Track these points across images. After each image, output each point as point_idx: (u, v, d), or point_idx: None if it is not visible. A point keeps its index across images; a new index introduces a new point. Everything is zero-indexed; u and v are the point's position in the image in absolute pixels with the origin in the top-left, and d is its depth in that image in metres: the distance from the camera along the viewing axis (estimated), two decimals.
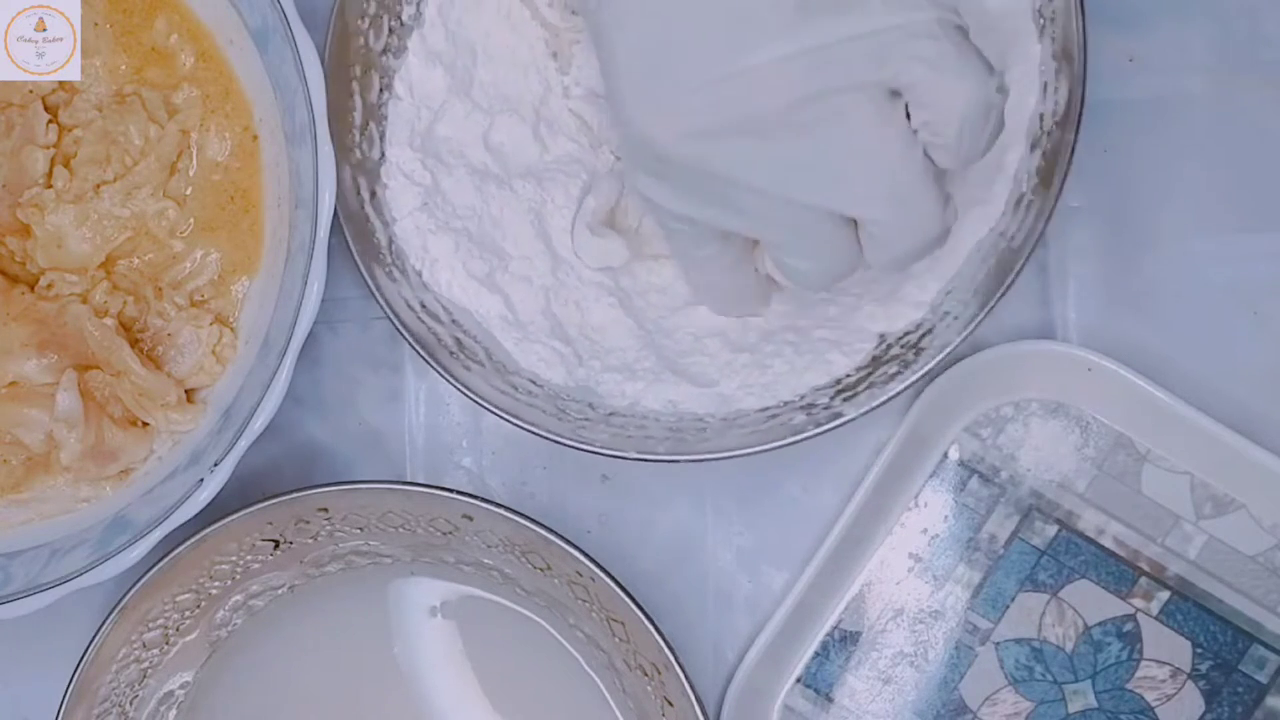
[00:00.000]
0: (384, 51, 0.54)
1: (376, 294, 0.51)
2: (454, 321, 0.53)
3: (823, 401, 0.50)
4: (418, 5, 0.54)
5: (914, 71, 0.41)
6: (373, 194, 0.53)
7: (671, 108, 0.43)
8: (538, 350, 0.53)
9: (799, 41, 0.41)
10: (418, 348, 0.51)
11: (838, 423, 0.49)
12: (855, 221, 0.45)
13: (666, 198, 0.47)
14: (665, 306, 0.54)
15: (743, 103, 0.42)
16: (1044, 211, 0.48)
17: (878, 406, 0.48)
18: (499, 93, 0.55)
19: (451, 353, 0.52)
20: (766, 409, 0.51)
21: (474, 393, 0.50)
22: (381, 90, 0.54)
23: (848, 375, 0.51)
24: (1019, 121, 0.50)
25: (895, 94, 0.42)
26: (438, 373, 0.51)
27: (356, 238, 0.51)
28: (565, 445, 0.50)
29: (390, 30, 0.54)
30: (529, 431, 0.50)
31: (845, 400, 0.50)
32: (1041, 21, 0.50)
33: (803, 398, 0.51)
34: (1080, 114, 0.48)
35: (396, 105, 0.54)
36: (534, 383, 0.52)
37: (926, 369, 0.48)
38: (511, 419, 0.50)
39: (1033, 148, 0.50)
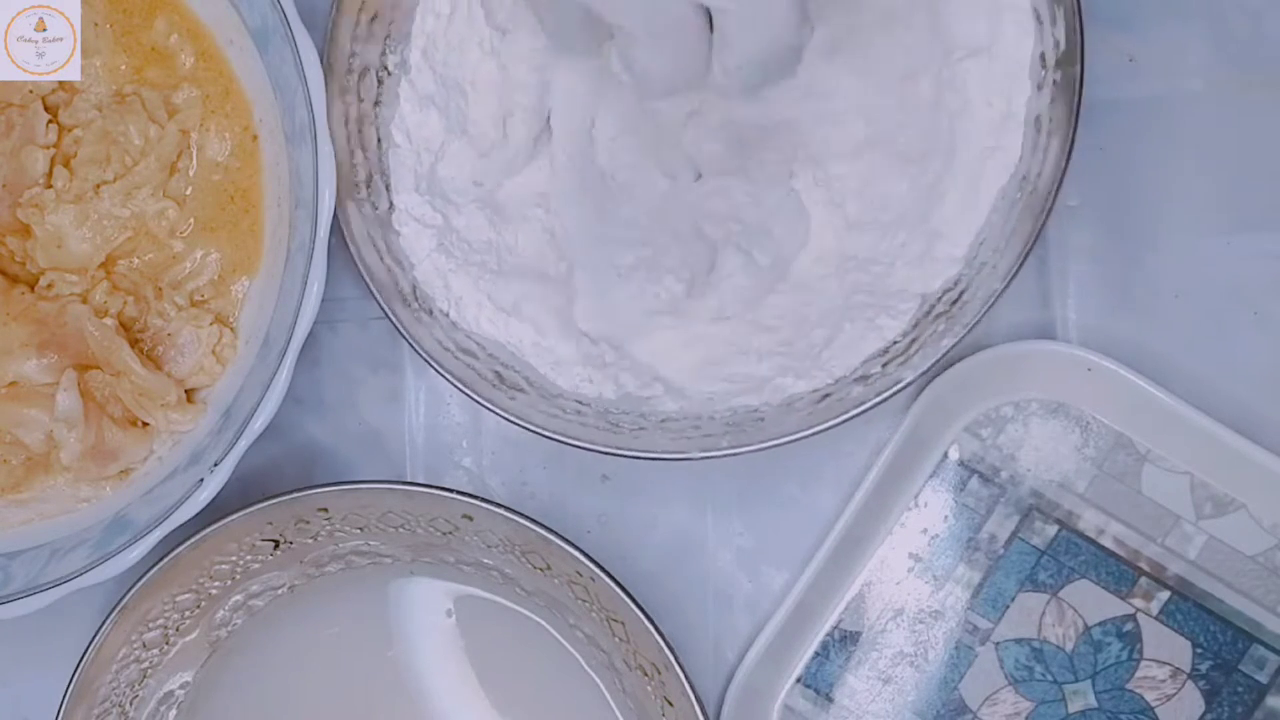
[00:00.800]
0: (376, 103, 0.54)
1: (407, 337, 0.51)
2: (490, 355, 0.53)
3: (876, 371, 0.50)
4: (402, 54, 0.54)
5: None
6: (388, 244, 0.53)
7: None
8: (576, 371, 0.53)
9: None
10: (461, 386, 0.50)
11: (898, 388, 0.48)
12: (709, 19, 0.44)
13: None
14: (705, 316, 0.54)
15: None
16: (1065, 147, 0.48)
17: (938, 363, 0.48)
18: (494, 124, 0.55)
19: (494, 385, 0.52)
20: (818, 389, 0.51)
21: (524, 420, 0.50)
22: (380, 141, 0.54)
23: (895, 341, 0.50)
24: (1019, 64, 0.50)
25: None
26: (487, 409, 0.50)
27: (381, 289, 0.51)
28: (622, 456, 0.50)
29: (379, 81, 0.54)
30: (581, 448, 0.50)
31: (900, 365, 0.49)
32: None
33: (855, 370, 0.51)
34: (1082, 51, 0.48)
35: (397, 154, 0.54)
36: (580, 402, 0.52)
37: (976, 319, 0.48)
38: (566, 440, 0.50)
39: (1039, 88, 0.50)
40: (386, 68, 0.54)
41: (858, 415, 0.48)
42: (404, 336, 0.51)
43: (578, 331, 0.53)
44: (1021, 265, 0.48)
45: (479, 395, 0.51)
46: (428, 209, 0.54)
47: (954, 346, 0.48)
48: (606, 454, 0.50)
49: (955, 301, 0.50)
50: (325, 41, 0.52)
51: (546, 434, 0.50)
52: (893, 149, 0.51)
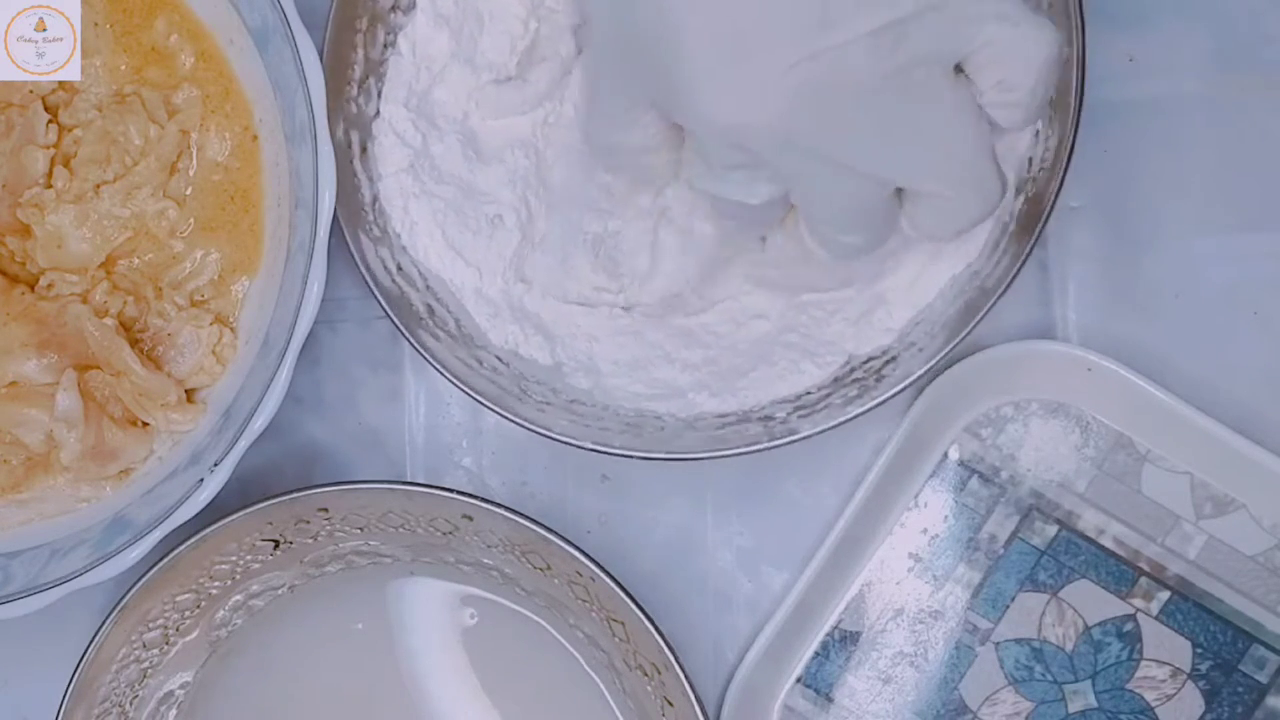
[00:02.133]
0: (393, 8, 0.53)
1: (354, 249, 0.51)
2: (428, 288, 0.53)
3: (780, 415, 0.50)
4: None
5: (989, 30, 0.42)
6: (363, 149, 0.53)
7: (759, 92, 0.43)
8: (510, 329, 0.53)
9: (879, 17, 0.41)
10: (388, 309, 0.51)
11: (792, 439, 0.49)
12: (900, 192, 0.46)
13: (738, 190, 0.46)
14: (641, 310, 0.54)
15: (833, 78, 0.42)
16: (1019, 256, 0.48)
17: (832, 428, 0.49)
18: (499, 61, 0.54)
19: (421, 319, 0.52)
20: (725, 415, 0.51)
21: (437, 360, 0.50)
22: (385, 46, 0.54)
23: (809, 392, 0.51)
24: (1009, 165, 0.50)
25: (959, 72, 0.43)
26: (410, 342, 0.50)
27: (341, 193, 0.51)
28: (517, 424, 0.50)
29: None
30: (480, 402, 0.50)
31: (802, 417, 0.50)
32: None
33: (763, 409, 0.51)
34: (1068, 163, 0.48)
35: (398, 62, 0.54)
36: (500, 359, 0.52)
37: (885, 398, 0.49)
38: (468, 390, 0.50)
39: (1018, 192, 0.50)
40: None
41: (748, 453, 0.49)
42: (349, 245, 0.51)
43: (522, 287, 0.53)
44: (1022, 265, 0.48)
45: (403, 324, 0.51)
46: (410, 127, 0.53)
47: (855, 417, 0.49)
48: (507, 418, 0.50)
49: (875, 373, 0.50)
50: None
51: (455, 381, 0.50)
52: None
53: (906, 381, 0.48)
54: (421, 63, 0.54)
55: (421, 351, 0.51)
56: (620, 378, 0.53)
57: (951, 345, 0.48)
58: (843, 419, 0.49)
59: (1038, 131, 0.50)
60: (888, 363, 0.50)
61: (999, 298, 0.48)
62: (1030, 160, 0.50)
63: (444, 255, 0.53)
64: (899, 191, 0.46)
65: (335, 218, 0.50)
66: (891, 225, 0.47)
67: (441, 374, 0.51)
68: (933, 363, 0.48)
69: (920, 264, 0.51)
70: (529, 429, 0.50)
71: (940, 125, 0.44)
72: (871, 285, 0.52)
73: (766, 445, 0.49)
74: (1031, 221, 0.49)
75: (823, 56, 0.42)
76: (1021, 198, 0.50)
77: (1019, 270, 0.48)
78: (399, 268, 0.53)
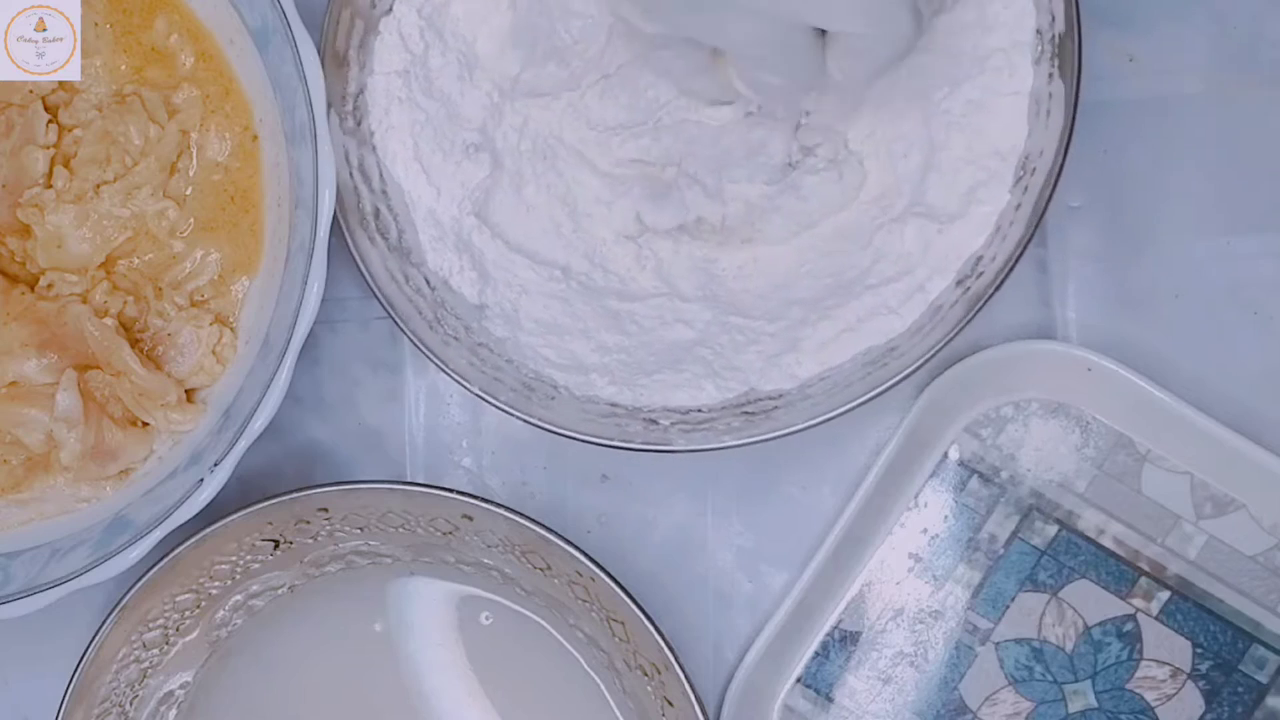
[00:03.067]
0: None
1: (427, 353, 0.51)
2: (384, 193, 0.53)
3: (664, 423, 0.51)
4: None
5: None
6: (362, 41, 0.53)
7: None
8: (450, 259, 0.53)
9: None
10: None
11: (657, 447, 0.49)
12: (823, 36, 0.46)
13: (646, 20, 0.47)
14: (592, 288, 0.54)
15: None
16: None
17: (702, 450, 0.49)
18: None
19: (363, 219, 0.52)
20: (615, 406, 0.52)
21: (366, 266, 0.51)
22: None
23: (699, 410, 0.51)
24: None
25: None
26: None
27: (329, 71, 0.51)
28: (420, 349, 0.50)
29: None
30: (396, 324, 0.50)
31: (682, 432, 0.50)
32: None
33: (651, 411, 0.52)
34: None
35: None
36: (428, 282, 0.53)
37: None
38: (386, 305, 0.50)
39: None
40: None
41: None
42: (418, 347, 0.51)
43: (473, 221, 0.53)
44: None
45: (345, 220, 0.51)
46: (416, 32, 0.53)
47: (943, 346, 0.48)
48: (414, 341, 0.50)
49: (767, 412, 0.50)
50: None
51: (379, 294, 0.50)
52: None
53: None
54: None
55: (351, 245, 0.51)
56: (535, 336, 0.53)
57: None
58: (712, 445, 0.49)
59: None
60: (778, 407, 0.50)
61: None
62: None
63: (410, 166, 0.53)
64: (823, 33, 0.46)
65: (343, 232, 0.50)
66: (815, 66, 0.47)
67: (364, 277, 0.51)
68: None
69: (841, 327, 0.51)
70: (431, 358, 0.50)
71: None
72: (794, 329, 0.52)
73: (750, 440, 0.49)
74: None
75: None
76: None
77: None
78: (360, 163, 0.52)
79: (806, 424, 0.49)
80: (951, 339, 0.48)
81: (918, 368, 0.48)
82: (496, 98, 0.54)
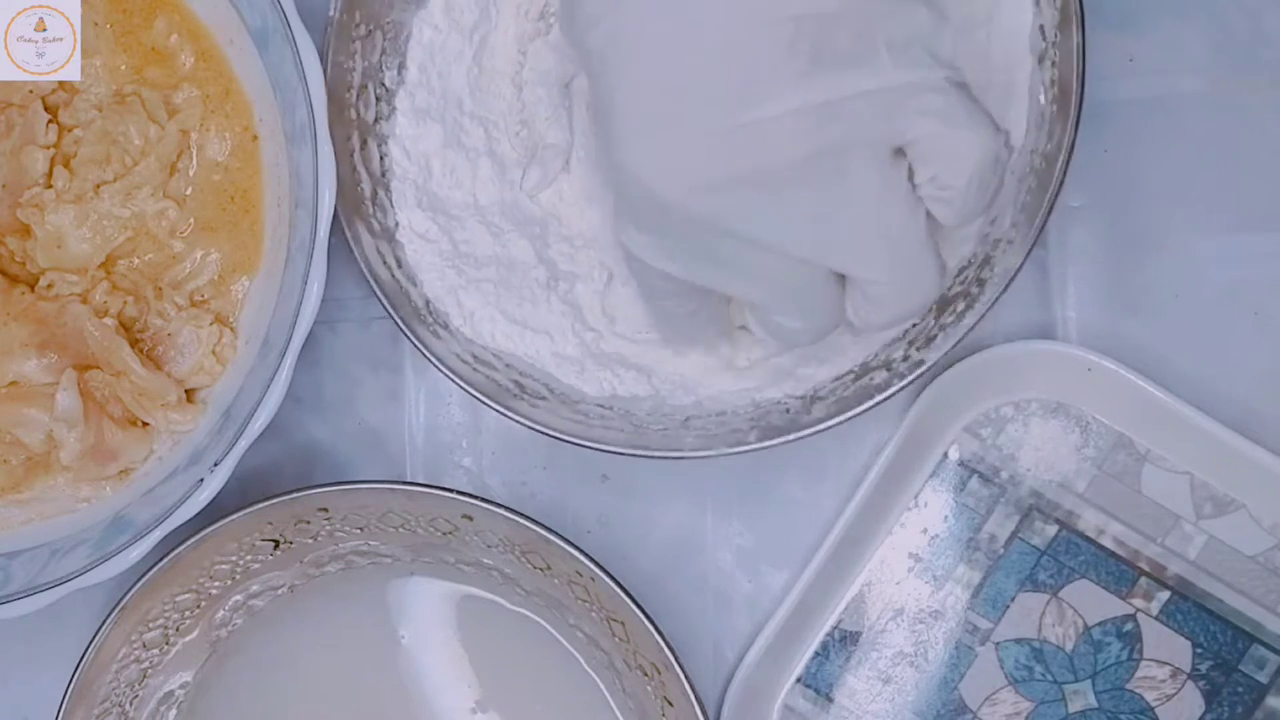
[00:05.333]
0: (376, 120, 0.54)
1: (429, 356, 0.50)
2: (508, 366, 0.53)
3: (899, 354, 0.50)
4: (399, 69, 0.54)
5: (924, 126, 0.41)
6: (399, 261, 0.53)
7: (679, 159, 0.42)
8: (605, 376, 0.52)
9: (811, 95, 0.40)
10: (483, 398, 0.50)
11: (919, 371, 0.48)
12: (844, 279, 0.45)
13: (656, 255, 0.45)
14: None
15: (752, 156, 0.41)
16: (1067, 141, 0.47)
17: (959, 342, 0.48)
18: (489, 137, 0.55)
19: (515, 395, 0.51)
20: (841, 376, 0.51)
21: (548, 427, 0.50)
22: (382, 158, 0.54)
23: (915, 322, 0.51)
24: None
25: (899, 153, 0.42)
26: (511, 419, 0.50)
27: (396, 306, 0.51)
28: (653, 458, 0.50)
29: (377, 98, 0.54)
30: (611, 453, 0.50)
31: (920, 349, 0.49)
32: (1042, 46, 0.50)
33: (878, 355, 0.51)
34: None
35: (397, 169, 0.54)
36: (602, 406, 0.52)
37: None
38: (593, 445, 0.50)
39: (1040, 62, 0.49)
40: (384, 83, 0.54)
41: (870, 409, 0.48)
42: (421, 351, 0.51)
43: (597, 334, 0.53)
44: (1023, 265, 0.48)
45: (501, 405, 0.50)
46: (431, 225, 0.53)
47: (955, 346, 0.48)
48: (635, 456, 0.49)
49: (974, 280, 0.50)
50: (323, 52, 0.51)
51: (574, 440, 0.50)
52: None
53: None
54: (418, 161, 0.54)
55: (492, 405, 0.50)
56: (723, 381, 0.53)
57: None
58: (959, 336, 0.48)
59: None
60: (983, 265, 0.49)
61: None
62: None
63: (510, 332, 0.53)
64: (843, 277, 0.44)
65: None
66: (837, 310, 0.45)
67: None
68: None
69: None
70: (558, 438, 0.50)
71: (872, 209, 0.42)
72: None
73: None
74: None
75: (747, 129, 0.41)
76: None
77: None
78: (474, 356, 0.52)
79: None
80: (958, 344, 0.48)
81: (917, 376, 0.48)
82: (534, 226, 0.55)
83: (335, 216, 0.49)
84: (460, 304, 0.53)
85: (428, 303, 0.53)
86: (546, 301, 0.53)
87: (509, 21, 0.54)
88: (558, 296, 0.53)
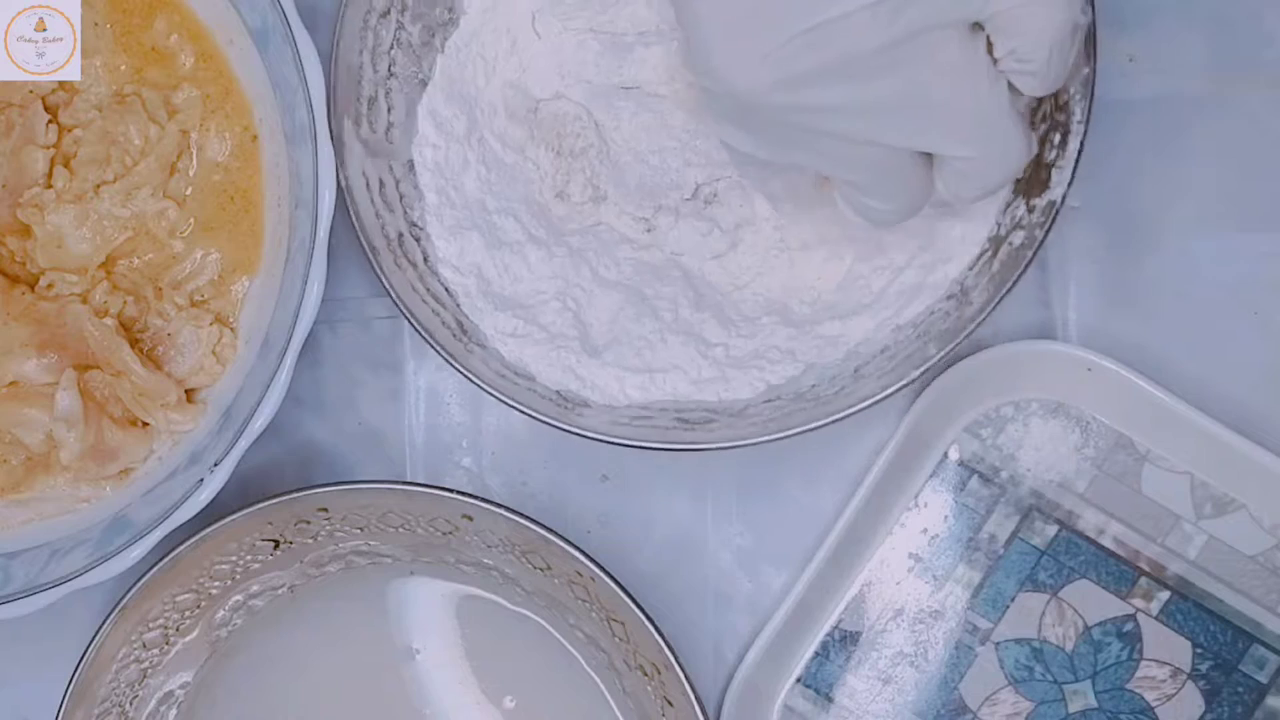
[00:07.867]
0: (426, 259, 0.53)
1: (464, 371, 0.50)
2: (663, 410, 0.52)
3: (1022, 211, 0.50)
4: (418, 201, 0.54)
5: (1000, 1, 0.42)
6: (428, 287, 0.53)
7: (762, 58, 0.43)
8: (747, 378, 0.52)
9: None
10: (530, 412, 0.50)
11: (789, 433, 0.48)
12: (930, 157, 0.46)
13: (750, 144, 0.47)
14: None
15: (833, 49, 0.42)
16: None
17: (960, 342, 0.48)
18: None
19: (560, 405, 0.51)
20: (975, 262, 0.51)
21: (595, 432, 0.50)
22: (446, 289, 0.53)
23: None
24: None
25: (976, 29, 0.43)
26: (558, 428, 0.50)
27: (529, 405, 0.50)
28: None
29: (416, 238, 0.53)
30: (532, 417, 0.50)
31: (959, 299, 0.50)
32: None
33: (1000, 226, 0.51)
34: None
35: (459, 290, 0.53)
36: (768, 402, 0.52)
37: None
38: (512, 403, 0.50)
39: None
40: (415, 222, 0.53)
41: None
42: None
43: (724, 346, 0.53)
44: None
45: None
46: (517, 322, 0.53)
47: (955, 345, 0.48)
48: (839, 421, 0.49)
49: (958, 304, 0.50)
50: (359, 215, 0.51)
51: (496, 394, 0.50)
52: None
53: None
54: (469, 274, 0.53)
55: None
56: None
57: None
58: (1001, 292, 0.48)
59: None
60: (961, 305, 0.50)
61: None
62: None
63: (640, 383, 0.52)
64: (930, 156, 0.46)
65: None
66: (924, 189, 0.47)
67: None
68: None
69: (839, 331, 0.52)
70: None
71: (954, 88, 0.43)
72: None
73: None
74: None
75: (823, 29, 0.42)
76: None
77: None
78: (513, 371, 0.52)
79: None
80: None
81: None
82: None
83: (448, 353, 0.50)
84: (579, 378, 0.52)
85: (558, 394, 0.52)
86: (663, 342, 0.52)
87: (498, 104, 0.54)
88: (670, 331, 0.53)
